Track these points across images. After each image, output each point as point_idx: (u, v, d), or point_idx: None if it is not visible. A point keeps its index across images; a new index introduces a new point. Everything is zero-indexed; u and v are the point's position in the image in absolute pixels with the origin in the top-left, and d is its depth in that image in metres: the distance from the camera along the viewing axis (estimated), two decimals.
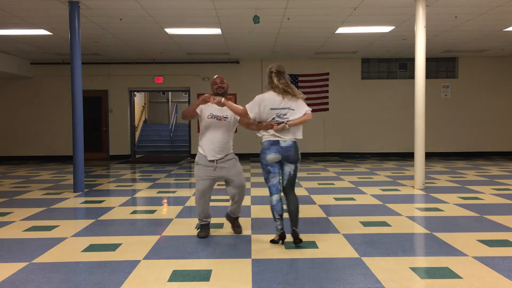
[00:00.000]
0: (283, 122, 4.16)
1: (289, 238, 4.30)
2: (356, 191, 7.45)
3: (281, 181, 4.32)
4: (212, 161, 4.47)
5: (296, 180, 7.62)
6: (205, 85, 13.51)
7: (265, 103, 4.20)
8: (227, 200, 6.56)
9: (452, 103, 13.95)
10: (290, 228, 4.26)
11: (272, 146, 4.19)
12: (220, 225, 5.09)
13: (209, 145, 4.47)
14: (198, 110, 4.54)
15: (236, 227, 4.79)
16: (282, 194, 4.34)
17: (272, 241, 4.36)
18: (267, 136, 4.22)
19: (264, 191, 7.53)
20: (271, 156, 4.20)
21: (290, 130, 4.20)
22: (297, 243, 4.23)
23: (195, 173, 4.58)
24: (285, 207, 4.31)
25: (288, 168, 4.27)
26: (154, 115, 20.51)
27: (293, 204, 4.28)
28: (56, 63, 13.51)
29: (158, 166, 11.84)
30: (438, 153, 13.80)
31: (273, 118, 4.19)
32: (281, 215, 4.25)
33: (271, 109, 4.18)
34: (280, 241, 4.29)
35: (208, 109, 4.50)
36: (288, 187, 4.32)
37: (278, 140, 4.19)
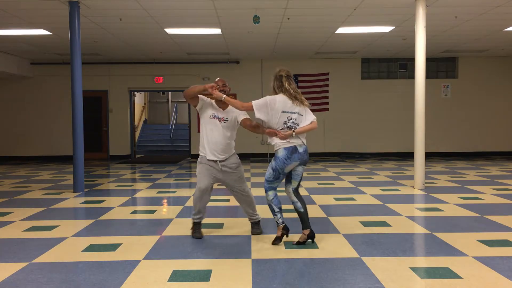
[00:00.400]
0: (290, 128, 4.15)
1: (290, 237, 4.31)
2: (356, 191, 7.45)
3: (292, 182, 4.31)
4: (214, 161, 4.46)
5: None
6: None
7: (277, 105, 4.15)
8: (227, 200, 6.57)
9: (452, 103, 13.95)
10: (305, 229, 4.30)
11: (293, 155, 4.15)
12: (220, 225, 5.09)
13: (211, 145, 4.45)
14: (198, 107, 4.52)
15: (255, 228, 4.75)
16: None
17: (276, 240, 4.30)
18: (283, 143, 4.15)
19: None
20: (292, 165, 4.18)
21: (298, 136, 4.18)
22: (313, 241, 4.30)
23: (197, 170, 4.54)
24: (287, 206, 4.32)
25: (301, 169, 4.30)
26: (154, 115, 20.51)
27: (304, 205, 4.32)
28: (56, 63, 13.51)
29: (158, 166, 11.84)
30: (438, 153, 13.80)
31: (284, 122, 4.15)
32: (280, 208, 4.28)
33: (283, 112, 4.15)
34: (285, 235, 4.28)
35: (211, 109, 4.50)
36: (297, 188, 4.34)
37: (296, 147, 4.16)
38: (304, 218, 4.28)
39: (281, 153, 4.15)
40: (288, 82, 4.22)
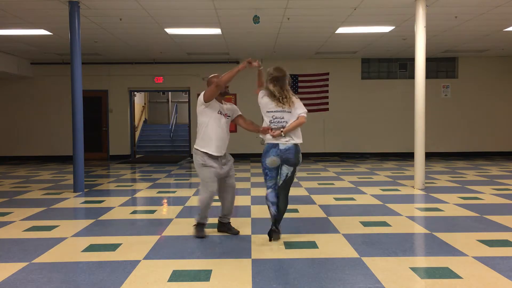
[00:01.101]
0: (278, 128, 4.25)
1: (290, 237, 4.31)
2: (356, 191, 7.45)
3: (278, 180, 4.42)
4: (218, 157, 4.47)
5: (296, 180, 7.61)
6: (205, 85, 13.48)
7: (262, 107, 4.36)
8: None
9: (452, 103, 13.95)
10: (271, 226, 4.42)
11: (272, 149, 4.27)
12: None
13: (219, 142, 4.44)
14: (210, 101, 4.42)
15: (232, 229, 4.74)
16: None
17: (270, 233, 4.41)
18: (269, 139, 4.28)
19: (264, 191, 7.50)
20: (270, 159, 4.28)
21: (288, 135, 4.26)
22: (271, 240, 4.37)
23: (204, 175, 4.44)
24: None
25: (286, 170, 4.32)
26: (154, 115, 20.51)
27: (282, 203, 4.39)
28: (56, 63, 13.51)
29: (158, 166, 11.84)
30: (438, 153, 13.80)
31: (270, 121, 4.28)
32: (272, 202, 4.39)
33: (267, 112, 4.31)
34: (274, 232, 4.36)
35: (217, 104, 4.48)
36: (282, 188, 4.38)
37: (278, 143, 4.25)
38: (276, 219, 4.40)
39: (264, 147, 4.33)
40: (272, 83, 4.29)
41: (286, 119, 4.25)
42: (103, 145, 14.28)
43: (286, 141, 4.24)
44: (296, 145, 4.28)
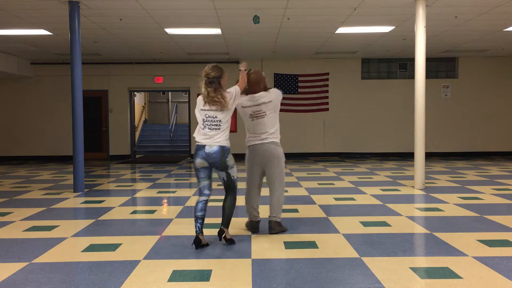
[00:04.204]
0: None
1: (290, 237, 4.31)
2: (356, 191, 7.45)
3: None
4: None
5: (296, 180, 7.66)
6: None
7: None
8: None
9: (452, 103, 13.95)
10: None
11: (198, 151, 4.27)
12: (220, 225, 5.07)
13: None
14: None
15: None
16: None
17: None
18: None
19: (264, 191, 7.52)
20: (198, 162, 4.29)
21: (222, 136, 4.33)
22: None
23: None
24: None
25: (222, 174, 4.45)
26: (154, 115, 20.50)
27: (227, 208, 4.52)
28: (56, 63, 13.51)
29: (158, 166, 11.84)
30: (438, 153, 13.80)
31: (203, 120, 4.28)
32: (197, 216, 4.34)
33: (201, 109, 4.29)
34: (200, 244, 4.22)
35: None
36: (228, 189, 4.59)
37: (204, 145, 4.24)
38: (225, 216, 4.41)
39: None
40: (204, 87, 4.26)
41: (219, 118, 4.22)
42: (103, 145, 14.28)
43: (204, 142, 4.19)
44: (221, 147, 4.20)
